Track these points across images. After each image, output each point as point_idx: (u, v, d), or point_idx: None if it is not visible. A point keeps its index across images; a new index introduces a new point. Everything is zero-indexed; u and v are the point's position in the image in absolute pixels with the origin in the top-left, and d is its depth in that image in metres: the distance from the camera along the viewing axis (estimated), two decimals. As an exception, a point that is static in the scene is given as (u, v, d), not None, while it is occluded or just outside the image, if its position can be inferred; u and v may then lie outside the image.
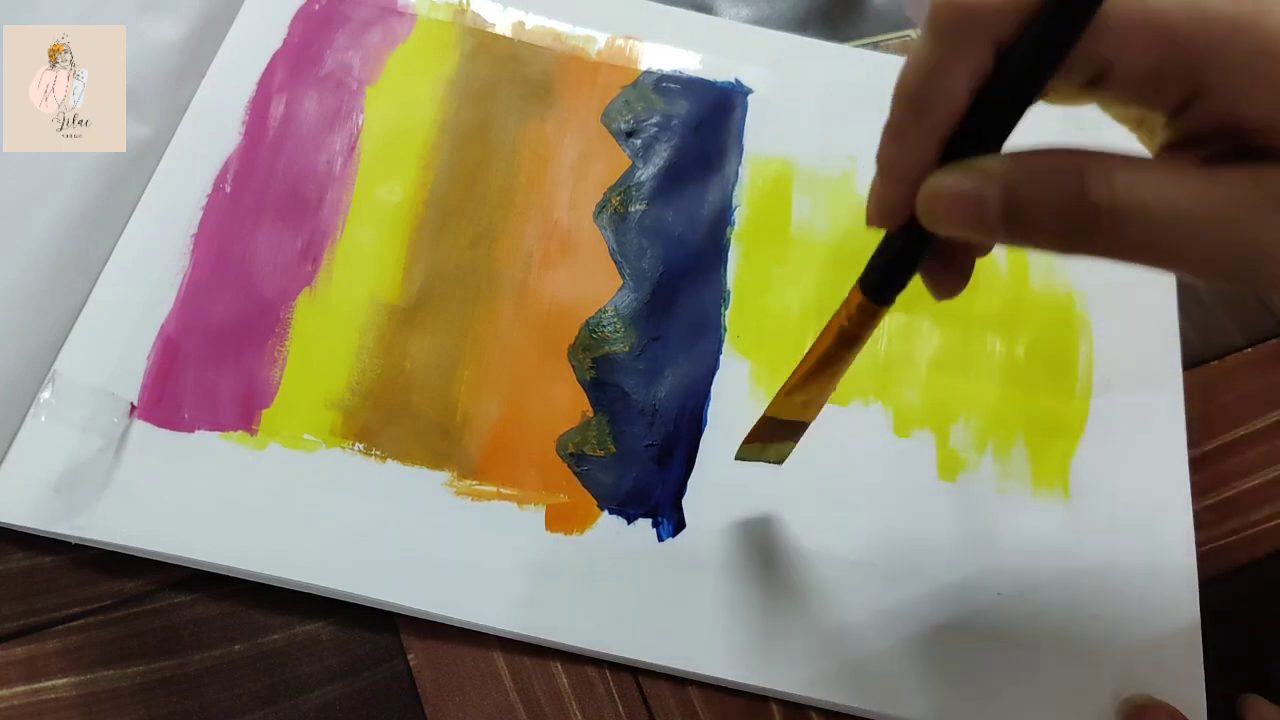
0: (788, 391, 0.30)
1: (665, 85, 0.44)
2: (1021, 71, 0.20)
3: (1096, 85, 0.21)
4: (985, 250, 0.26)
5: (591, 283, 0.39)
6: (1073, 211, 0.20)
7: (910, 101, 0.22)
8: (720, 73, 0.44)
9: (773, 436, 0.33)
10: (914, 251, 0.25)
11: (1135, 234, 0.20)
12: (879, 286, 0.26)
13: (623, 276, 0.39)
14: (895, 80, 0.22)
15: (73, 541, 0.32)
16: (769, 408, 0.32)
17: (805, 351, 0.29)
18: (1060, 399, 0.38)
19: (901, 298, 0.39)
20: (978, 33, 0.20)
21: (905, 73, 0.22)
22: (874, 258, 0.26)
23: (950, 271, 0.26)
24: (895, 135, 0.22)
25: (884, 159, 0.23)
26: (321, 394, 0.35)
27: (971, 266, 0.26)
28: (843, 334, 0.27)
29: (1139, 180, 0.20)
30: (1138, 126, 0.23)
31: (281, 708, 0.31)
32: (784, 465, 0.34)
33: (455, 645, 0.32)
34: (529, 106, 0.42)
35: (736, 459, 0.34)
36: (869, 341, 0.39)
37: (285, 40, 0.42)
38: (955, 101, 0.21)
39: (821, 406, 0.31)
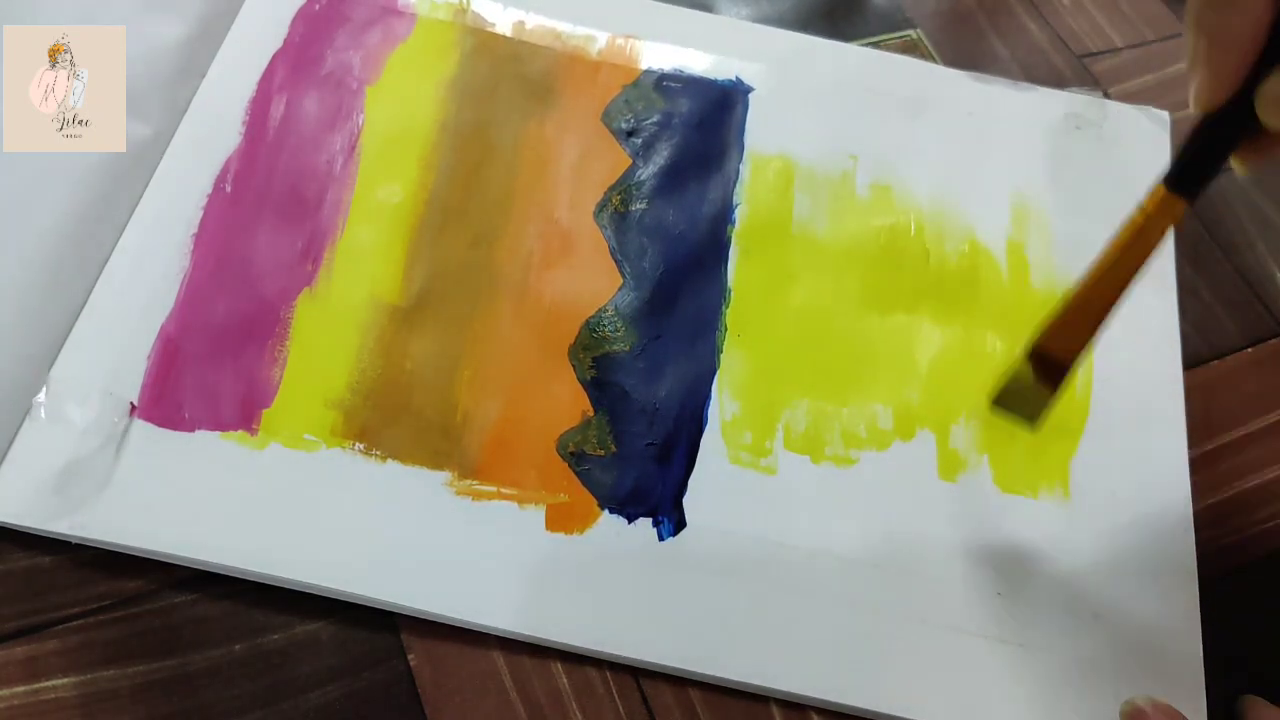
0: (1063, 316, 0.29)
1: (666, 84, 0.44)
2: None
3: None
4: None
5: (592, 282, 0.39)
6: None
7: None
8: (721, 71, 0.44)
9: (1032, 380, 0.30)
10: (1232, 133, 0.25)
11: None
12: (1189, 175, 0.26)
13: (623, 275, 0.39)
14: None
15: (73, 541, 0.32)
16: (1035, 339, 0.30)
17: (1074, 285, 0.29)
18: (1060, 399, 0.38)
19: (901, 297, 0.39)
20: None
21: None
22: (1184, 148, 0.26)
23: (1266, 146, 0.25)
24: (1220, 3, 0.22)
25: (1209, 29, 0.23)
26: (322, 394, 0.35)
27: None
28: (1140, 241, 0.27)
29: None
30: None
31: (281, 708, 0.31)
32: (770, 468, 0.34)
33: (455, 645, 0.32)
34: (529, 106, 0.42)
35: (991, 406, 0.32)
36: (869, 342, 0.39)
37: (285, 40, 0.42)
38: None
39: (1091, 342, 0.29)
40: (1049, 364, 0.30)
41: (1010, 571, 0.34)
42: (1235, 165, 0.26)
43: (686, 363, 0.37)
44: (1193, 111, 0.25)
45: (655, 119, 0.42)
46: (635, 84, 0.43)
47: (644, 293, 0.38)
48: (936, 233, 0.41)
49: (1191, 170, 0.26)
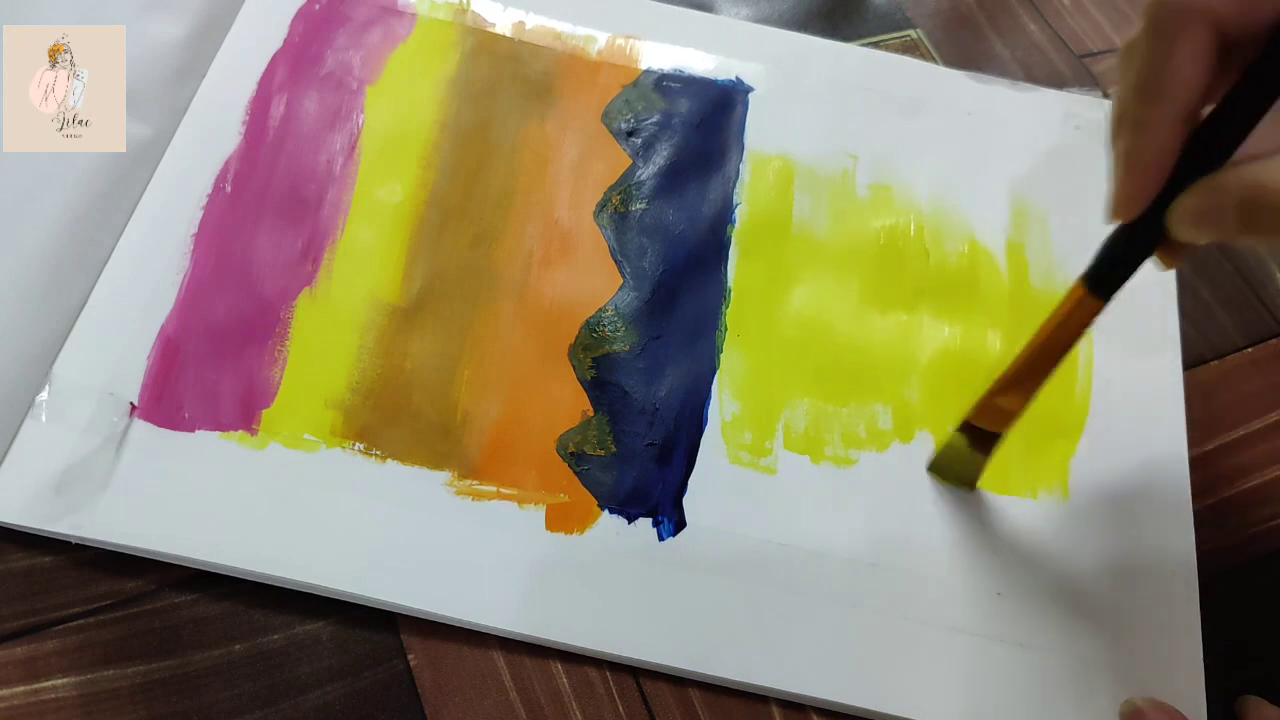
0: (991, 396, 0.32)
1: (666, 84, 0.44)
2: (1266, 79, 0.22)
3: None
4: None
5: (592, 282, 0.39)
6: None
7: (1142, 92, 0.22)
8: (721, 71, 0.44)
9: (968, 446, 0.34)
10: (1147, 242, 0.26)
11: None
12: (1108, 278, 0.27)
13: (623, 275, 0.39)
14: (1120, 72, 0.23)
15: (73, 541, 0.32)
16: (969, 414, 0.33)
17: (1008, 362, 0.31)
18: (1060, 399, 0.38)
19: (901, 297, 0.39)
20: (1195, 20, 0.21)
21: (1130, 67, 0.23)
22: (1103, 252, 0.27)
23: (1179, 250, 0.27)
24: (1133, 127, 0.23)
25: (1124, 151, 0.24)
26: (322, 394, 0.35)
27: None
28: (1062, 332, 0.29)
29: None
30: None
31: (281, 708, 0.31)
32: (770, 468, 0.34)
33: (455, 645, 0.32)
34: (529, 106, 0.42)
35: (928, 471, 0.36)
36: (869, 342, 0.40)
37: (285, 40, 0.42)
38: (1189, 87, 0.22)
39: (1018, 416, 0.32)
40: (982, 435, 0.33)
41: (1010, 571, 0.34)
42: (1157, 262, 0.27)
43: (686, 363, 0.37)
44: (1106, 223, 0.26)
45: (655, 119, 0.42)
46: (635, 84, 0.43)
47: (644, 293, 0.38)
48: (936, 233, 0.41)
49: (1108, 275, 0.27)
